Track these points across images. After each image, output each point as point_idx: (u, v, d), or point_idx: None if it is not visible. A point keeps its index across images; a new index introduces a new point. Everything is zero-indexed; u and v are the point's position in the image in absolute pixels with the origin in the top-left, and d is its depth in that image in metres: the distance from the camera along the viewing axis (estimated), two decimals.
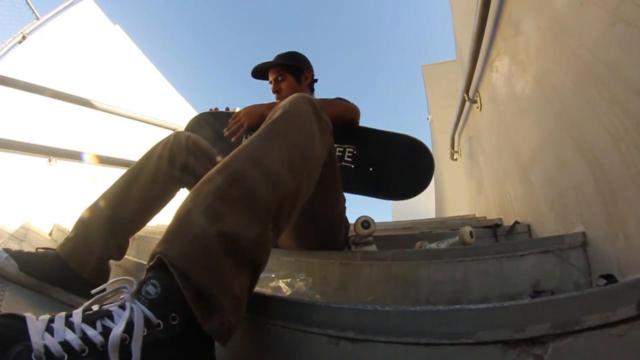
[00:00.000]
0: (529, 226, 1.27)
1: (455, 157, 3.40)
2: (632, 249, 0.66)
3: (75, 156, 2.09)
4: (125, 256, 0.96)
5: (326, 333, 0.47)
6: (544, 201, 1.13)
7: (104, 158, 2.26)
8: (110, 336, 0.39)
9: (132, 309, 0.42)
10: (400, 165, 1.35)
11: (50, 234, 1.74)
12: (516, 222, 1.33)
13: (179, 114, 3.48)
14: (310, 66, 1.50)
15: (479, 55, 1.66)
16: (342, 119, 1.27)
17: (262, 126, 0.63)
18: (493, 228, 1.35)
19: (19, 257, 0.83)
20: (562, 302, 0.41)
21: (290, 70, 1.45)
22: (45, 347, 0.37)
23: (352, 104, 1.34)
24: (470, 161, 2.76)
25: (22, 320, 0.40)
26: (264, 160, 0.56)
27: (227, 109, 1.57)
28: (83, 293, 0.83)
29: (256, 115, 1.30)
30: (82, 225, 0.91)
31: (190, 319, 0.44)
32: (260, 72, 1.48)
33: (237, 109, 1.58)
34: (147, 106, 3.10)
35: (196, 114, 1.61)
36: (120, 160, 2.29)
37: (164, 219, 1.06)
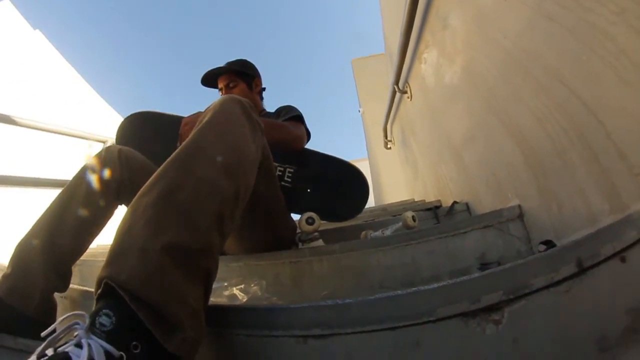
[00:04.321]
0: (467, 204, 1.38)
1: (389, 146, 3.57)
2: (564, 215, 0.75)
3: (2, 181, 1.85)
4: (70, 285, 0.88)
5: (292, 334, 0.48)
6: (479, 180, 1.24)
7: (32, 180, 2.03)
8: None
9: (89, 345, 0.39)
10: (338, 189, 1.42)
11: None
12: (455, 202, 1.44)
13: (109, 124, 3.19)
14: (260, 75, 1.51)
15: (408, 49, 1.76)
16: (287, 146, 1.27)
17: (193, 131, 0.62)
18: (433, 210, 1.44)
19: None
20: (510, 270, 0.47)
21: (242, 76, 1.44)
22: None
23: (302, 131, 1.33)
24: (404, 149, 2.91)
25: None
26: (198, 167, 0.56)
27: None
28: (32, 334, 0.73)
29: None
30: (18, 259, 0.83)
31: (152, 344, 0.42)
32: (210, 79, 1.44)
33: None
34: (75, 118, 2.80)
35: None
36: (50, 181, 2.08)
37: (104, 238, 0.99)
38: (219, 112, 0.66)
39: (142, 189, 0.54)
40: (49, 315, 0.81)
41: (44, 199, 0.96)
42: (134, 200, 0.53)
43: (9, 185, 1.91)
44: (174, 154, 0.58)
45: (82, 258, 0.95)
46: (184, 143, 0.60)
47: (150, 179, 0.55)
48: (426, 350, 0.43)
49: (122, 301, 0.43)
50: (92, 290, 0.86)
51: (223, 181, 0.56)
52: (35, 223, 0.88)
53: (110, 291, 0.44)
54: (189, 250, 0.48)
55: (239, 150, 0.63)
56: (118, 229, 0.51)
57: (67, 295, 0.91)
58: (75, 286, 0.93)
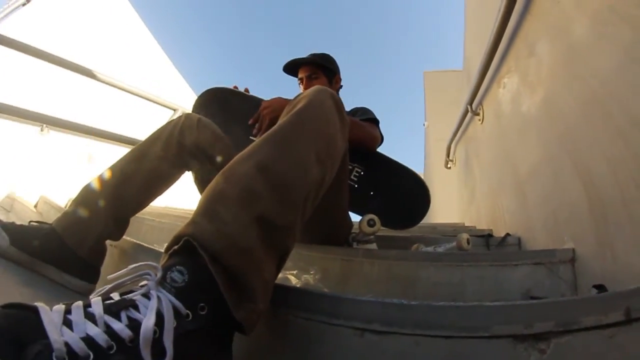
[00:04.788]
0: (519, 239, 1.34)
1: (449, 166, 3.48)
2: (618, 267, 0.72)
3: (69, 127, 2.02)
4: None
5: (351, 325, 0.48)
6: (537, 217, 1.20)
7: (99, 132, 2.20)
8: (142, 330, 0.35)
9: (159, 298, 0.39)
10: (400, 198, 1.42)
11: (35, 206, 1.66)
12: (507, 234, 1.40)
13: (178, 93, 3.41)
14: (340, 72, 1.52)
15: (489, 70, 1.72)
16: (362, 145, 1.28)
17: (289, 114, 0.63)
18: (486, 238, 1.41)
19: (11, 229, 0.79)
20: (565, 303, 0.47)
21: (324, 70, 1.45)
22: (67, 344, 0.32)
23: (377, 133, 1.35)
24: (464, 171, 2.83)
25: (34, 311, 0.35)
26: (295, 148, 0.57)
27: (247, 90, 1.50)
28: (78, 273, 0.81)
29: (281, 110, 1.28)
30: (82, 200, 0.87)
31: (217, 309, 0.42)
32: (291, 68, 1.47)
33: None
34: (148, 83, 3.04)
35: (195, 97, 1.54)
36: (115, 136, 2.25)
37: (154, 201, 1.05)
38: (314, 101, 0.66)
39: (236, 158, 0.54)
40: (98, 259, 0.85)
41: (107, 151, 1.01)
42: (227, 166, 0.53)
43: (77, 133, 2.07)
44: (271, 130, 0.59)
45: None
46: (281, 122, 0.61)
47: (246, 149, 0.56)
48: None
49: (198, 261, 0.43)
50: (142, 243, 0.94)
51: (314, 167, 0.57)
52: (106, 170, 0.91)
53: (187, 249, 0.44)
54: (276, 225, 0.49)
55: (330, 142, 0.64)
56: (208, 191, 0.51)
57: (117, 244, 0.96)
58: (128, 238, 0.97)
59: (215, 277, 0.42)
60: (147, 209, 1.05)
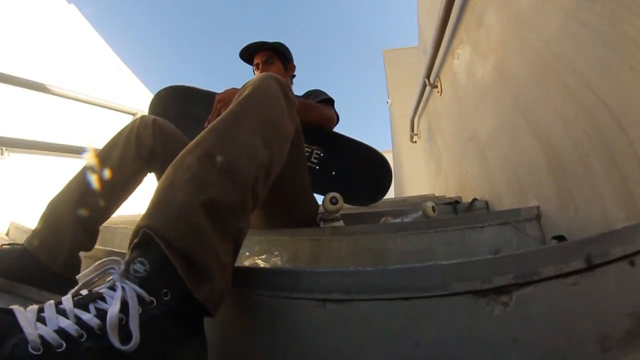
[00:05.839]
0: (486, 202, 1.39)
1: (414, 140, 3.56)
2: (580, 219, 0.77)
3: (31, 146, 1.94)
4: (95, 246, 0.93)
5: (312, 297, 0.50)
6: (501, 179, 1.25)
7: (61, 147, 2.12)
8: (108, 317, 0.38)
9: (123, 288, 0.42)
10: (362, 175, 1.47)
11: (7, 234, 1.62)
12: (475, 199, 1.46)
13: (139, 98, 3.31)
14: (293, 60, 1.56)
15: (442, 43, 1.75)
16: (318, 126, 1.32)
17: (234, 103, 0.65)
18: (453, 204, 1.46)
19: None
20: (522, 256, 0.48)
21: (280, 57, 1.48)
22: (41, 337, 0.36)
23: (332, 113, 1.38)
24: (429, 143, 2.90)
25: (10, 313, 0.38)
26: (240, 134, 0.59)
27: None
28: (55, 289, 0.79)
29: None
30: (49, 216, 0.87)
31: (181, 293, 0.45)
32: (248, 54, 1.48)
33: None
34: (106, 90, 2.92)
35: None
36: (78, 148, 2.17)
37: (124, 210, 1.04)
38: (258, 87, 0.69)
39: (185, 149, 0.57)
40: (74, 272, 0.84)
41: (72, 166, 1.00)
42: (177, 158, 0.56)
43: (39, 152, 2.00)
44: (216, 120, 0.61)
45: (104, 225, 0.99)
46: (226, 111, 0.63)
47: (194, 140, 0.58)
48: (436, 322, 0.45)
49: (157, 250, 0.45)
50: (115, 249, 0.92)
51: (261, 150, 0.60)
52: (68, 184, 0.92)
53: (146, 241, 0.47)
54: (226, 207, 0.51)
55: (276, 124, 0.67)
56: (160, 182, 0.53)
57: (91, 255, 0.96)
58: (101, 247, 0.97)
59: (172, 262, 0.44)
60: (119, 218, 1.01)
